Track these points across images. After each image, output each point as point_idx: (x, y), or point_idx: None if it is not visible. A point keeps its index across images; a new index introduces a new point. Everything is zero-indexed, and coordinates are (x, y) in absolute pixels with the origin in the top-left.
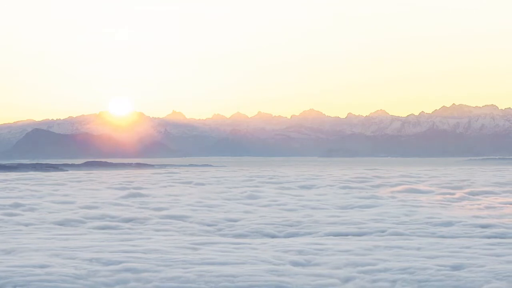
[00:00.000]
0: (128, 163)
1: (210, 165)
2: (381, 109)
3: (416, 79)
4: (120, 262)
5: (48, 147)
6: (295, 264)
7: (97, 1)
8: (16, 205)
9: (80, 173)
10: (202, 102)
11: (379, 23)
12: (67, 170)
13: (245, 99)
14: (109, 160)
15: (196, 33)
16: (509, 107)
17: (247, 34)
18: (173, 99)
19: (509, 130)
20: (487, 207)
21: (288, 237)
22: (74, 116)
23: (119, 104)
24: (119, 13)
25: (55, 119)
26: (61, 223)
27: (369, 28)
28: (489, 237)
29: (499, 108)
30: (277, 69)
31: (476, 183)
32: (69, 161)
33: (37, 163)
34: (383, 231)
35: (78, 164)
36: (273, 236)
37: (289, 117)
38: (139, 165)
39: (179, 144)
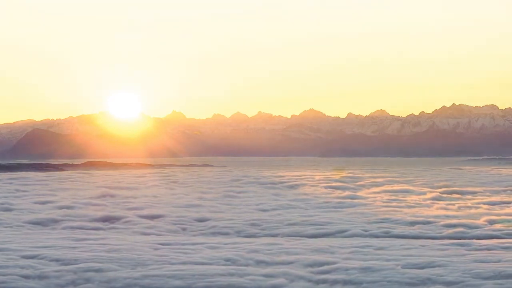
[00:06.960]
0: (128, 163)
1: (211, 165)
2: (381, 109)
3: (416, 79)
4: (76, 263)
5: (48, 147)
6: (249, 264)
7: (97, 2)
8: None
9: (70, 173)
10: (202, 102)
11: (379, 24)
12: (66, 170)
13: (245, 99)
14: (109, 160)
15: (196, 33)
16: (509, 107)
17: (247, 34)
18: (173, 99)
19: (509, 130)
20: (460, 207)
21: (249, 237)
22: (74, 116)
23: (119, 104)
24: (119, 14)
25: (55, 119)
26: (32, 223)
27: (369, 29)
28: (449, 237)
29: (499, 108)
30: (277, 69)
31: (461, 183)
32: (69, 161)
33: (37, 163)
34: (344, 231)
35: (77, 164)
36: (233, 236)
37: (289, 117)
38: (139, 165)
39: (179, 144)
